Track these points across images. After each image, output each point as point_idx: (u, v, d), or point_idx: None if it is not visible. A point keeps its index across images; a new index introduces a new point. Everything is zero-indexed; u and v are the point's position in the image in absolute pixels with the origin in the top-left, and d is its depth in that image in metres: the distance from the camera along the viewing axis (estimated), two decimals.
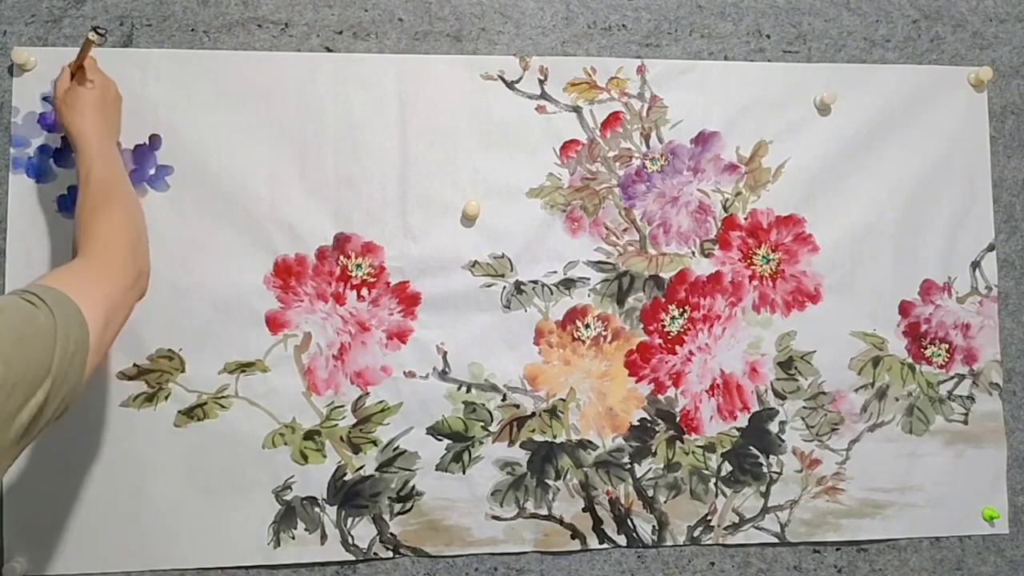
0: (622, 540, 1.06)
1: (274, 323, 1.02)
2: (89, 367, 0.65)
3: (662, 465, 1.07)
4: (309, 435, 1.02)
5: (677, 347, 1.08)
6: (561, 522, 1.05)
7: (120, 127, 0.98)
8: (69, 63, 0.94)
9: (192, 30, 1.04)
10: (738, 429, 1.09)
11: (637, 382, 1.07)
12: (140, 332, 1.00)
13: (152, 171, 1.01)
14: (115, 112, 0.96)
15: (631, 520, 1.06)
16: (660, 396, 1.07)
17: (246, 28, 1.05)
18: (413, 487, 1.03)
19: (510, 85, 1.08)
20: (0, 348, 0.55)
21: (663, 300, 1.08)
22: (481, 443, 1.05)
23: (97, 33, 0.88)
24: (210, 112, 1.02)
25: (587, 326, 1.07)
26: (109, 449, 0.99)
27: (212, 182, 1.02)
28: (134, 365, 1.00)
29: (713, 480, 1.08)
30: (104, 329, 0.68)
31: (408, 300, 1.04)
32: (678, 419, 1.08)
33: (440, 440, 1.04)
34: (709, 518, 1.08)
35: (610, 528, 1.06)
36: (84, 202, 0.82)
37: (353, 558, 1.02)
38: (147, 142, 1.01)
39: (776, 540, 1.09)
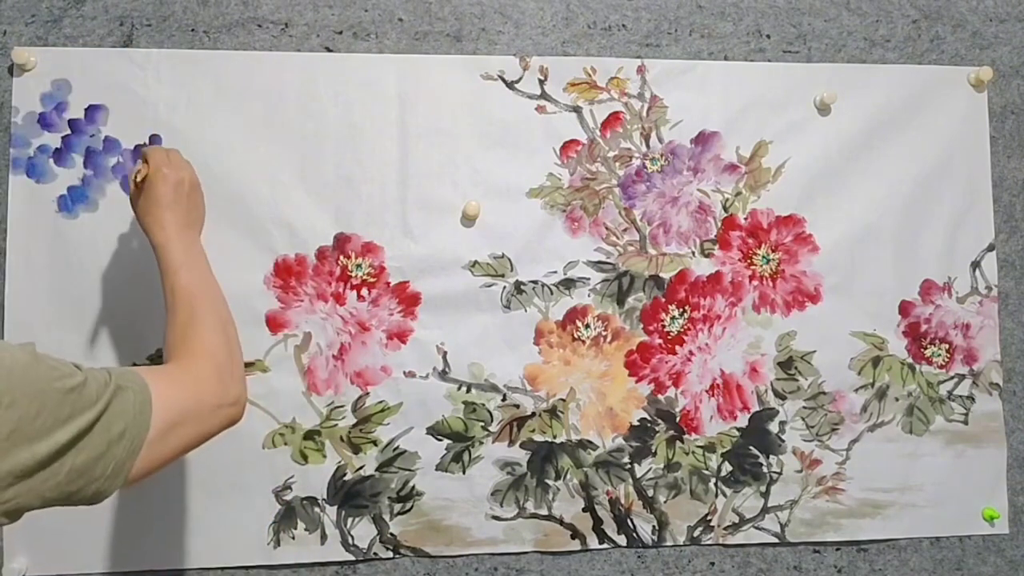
0: (622, 540, 1.06)
1: (274, 323, 1.02)
2: (139, 464, 0.60)
3: (662, 465, 1.07)
4: (309, 435, 1.02)
5: (677, 347, 1.08)
6: (561, 522, 1.05)
7: (203, 214, 0.91)
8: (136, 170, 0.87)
9: (192, 30, 1.04)
10: (738, 429, 1.09)
11: (637, 382, 1.07)
12: (140, 332, 1.00)
13: None
14: (193, 201, 0.88)
15: (631, 520, 1.06)
16: (660, 396, 1.07)
17: (246, 28, 1.05)
18: (413, 487, 1.03)
19: (510, 85, 1.08)
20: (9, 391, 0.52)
21: (663, 300, 1.08)
22: (481, 443, 1.05)
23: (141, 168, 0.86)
24: (210, 112, 1.02)
25: (587, 326, 1.07)
26: None
27: (212, 182, 1.01)
28: (133, 364, 1.00)
29: (713, 480, 1.08)
30: (167, 431, 0.63)
31: (408, 300, 1.04)
32: (678, 419, 1.08)
33: (440, 440, 1.04)
34: (709, 518, 1.08)
35: (610, 528, 1.06)
36: (172, 316, 0.78)
37: (353, 558, 1.02)
38: (147, 142, 1.01)
39: (776, 540, 1.09)
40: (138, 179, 0.86)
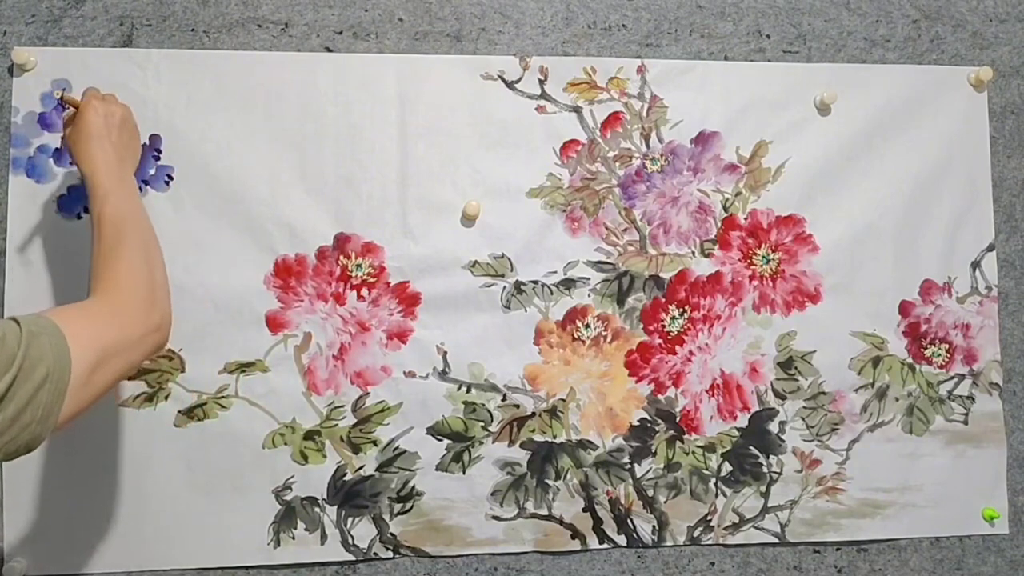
0: (622, 540, 1.06)
1: (274, 323, 1.02)
2: (69, 405, 0.61)
3: (662, 465, 1.07)
4: (309, 435, 1.02)
5: (677, 347, 1.08)
6: (561, 522, 1.05)
7: (137, 151, 0.93)
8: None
9: (192, 30, 1.04)
10: (738, 429, 1.09)
11: (637, 382, 1.07)
12: None
13: (152, 171, 1.01)
14: (124, 135, 0.89)
15: (631, 520, 1.06)
16: (660, 396, 1.07)
17: (246, 28, 1.05)
18: (413, 487, 1.03)
19: (510, 85, 1.08)
20: None
21: (663, 300, 1.08)
22: (481, 443, 1.05)
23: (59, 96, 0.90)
24: (210, 112, 1.02)
25: (587, 326, 1.07)
26: (109, 449, 0.99)
27: (212, 182, 1.02)
28: None
29: (713, 480, 1.08)
30: (93, 370, 0.64)
31: (408, 300, 1.04)
32: (678, 419, 1.08)
33: (440, 440, 1.04)
34: (709, 518, 1.08)
35: (610, 528, 1.06)
36: (98, 244, 0.78)
37: (353, 558, 1.02)
38: (147, 142, 1.01)
39: (776, 540, 1.09)
40: (66, 117, 0.89)
